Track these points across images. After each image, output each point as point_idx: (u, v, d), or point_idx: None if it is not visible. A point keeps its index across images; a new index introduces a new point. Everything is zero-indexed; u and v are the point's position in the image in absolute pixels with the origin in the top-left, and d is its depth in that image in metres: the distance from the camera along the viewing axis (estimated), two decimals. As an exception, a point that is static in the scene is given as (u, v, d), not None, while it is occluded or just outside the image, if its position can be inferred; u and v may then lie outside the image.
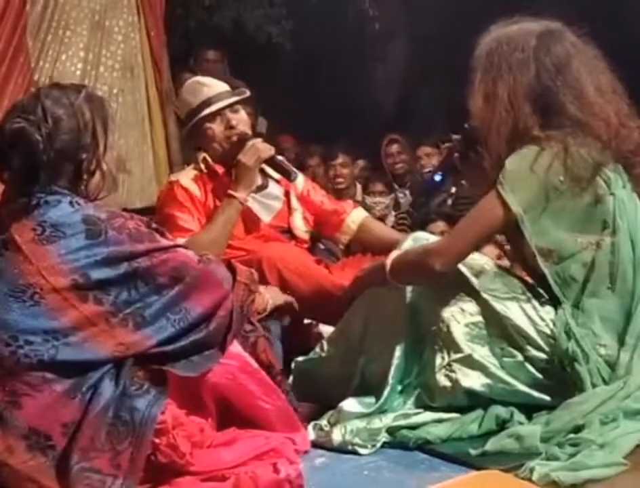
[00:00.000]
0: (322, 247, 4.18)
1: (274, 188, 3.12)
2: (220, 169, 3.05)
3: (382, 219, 5.33)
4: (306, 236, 3.16)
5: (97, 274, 1.70)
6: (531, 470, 1.70)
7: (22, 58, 4.81)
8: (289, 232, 3.11)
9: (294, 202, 3.15)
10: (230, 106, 3.06)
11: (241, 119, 3.07)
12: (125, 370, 1.68)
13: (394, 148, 6.04)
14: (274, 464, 1.74)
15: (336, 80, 7.55)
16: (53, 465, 1.60)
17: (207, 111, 3.03)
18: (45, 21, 4.91)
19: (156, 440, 1.67)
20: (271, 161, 3.01)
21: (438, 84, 7.55)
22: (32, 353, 1.64)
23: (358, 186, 5.86)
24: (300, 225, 3.14)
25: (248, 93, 3.14)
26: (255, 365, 1.92)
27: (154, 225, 1.87)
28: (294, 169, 3.07)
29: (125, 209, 4.89)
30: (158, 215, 3.03)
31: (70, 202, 1.74)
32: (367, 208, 5.40)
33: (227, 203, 2.92)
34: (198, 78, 3.29)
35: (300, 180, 3.23)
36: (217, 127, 3.04)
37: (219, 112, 3.04)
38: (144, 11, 5.29)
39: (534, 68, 1.98)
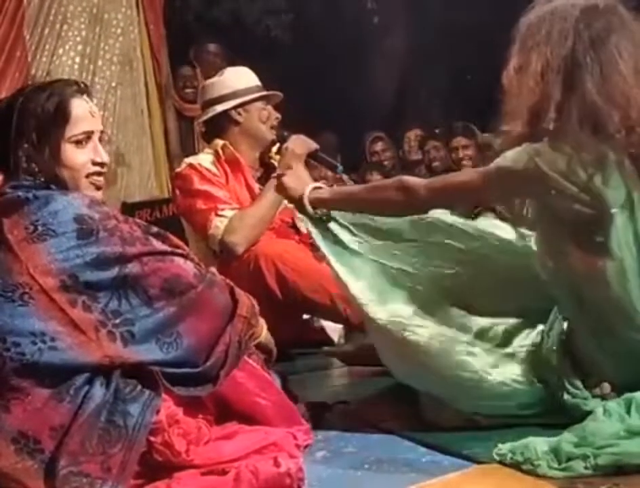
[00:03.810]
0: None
1: None
2: (239, 157, 3.07)
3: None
4: (308, 232, 3.19)
5: (86, 276, 1.66)
6: None
7: (19, 52, 4.82)
8: (293, 227, 3.14)
9: None
10: (280, 99, 3.21)
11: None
12: (117, 372, 1.66)
13: (379, 145, 6.18)
14: (275, 458, 1.72)
15: (335, 73, 7.54)
16: (41, 469, 1.58)
17: (270, 92, 3.16)
18: (42, 14, 4.92)
19: (152, 439, 1.65)
20: (315, 154, 3.09)
21: (438, 77, 7.54)
22: (17, 356, 1.61)
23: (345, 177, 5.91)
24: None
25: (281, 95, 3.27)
26: (251, 362, 1.90)
27: (154, 229, 1.82)
28: (337, 163, 3.15)
29: (125, 203, 4.94)
30: (184, 192, 3.04)
31: (62, 199, 1.71)
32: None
33: (274, 183, 2.95)
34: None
35: None
36: (270, 111, 3.14)
37: (272, 100, 3.17)
38: (143, 5, 5.31)
39: (571, 41, 1.86)
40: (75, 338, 1.64)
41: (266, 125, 3.13)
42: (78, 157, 1.82)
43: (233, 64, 4.12)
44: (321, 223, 2.20)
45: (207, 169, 3.02)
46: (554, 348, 1.93)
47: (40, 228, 1.68)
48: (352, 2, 8.13)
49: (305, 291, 2.75)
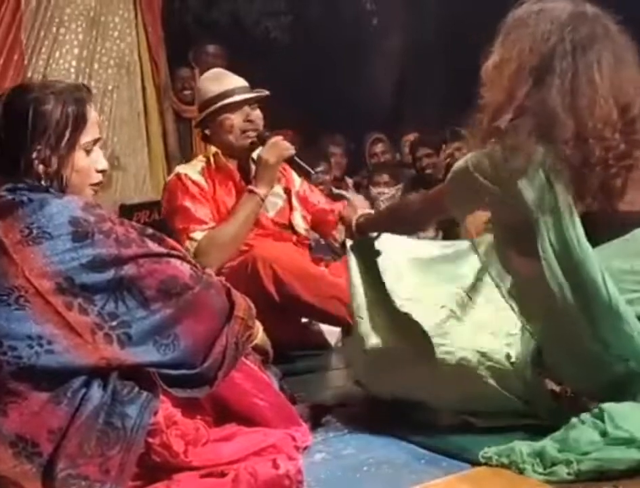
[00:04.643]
0: (322, 242, 4.20)
1: (276, 186, 3.12)
2: (231, 165, 3.04)
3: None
4: (306, 233, 3.17)
5: (82, 278, 1.66)
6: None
7: (17, 55, 4.82)
8: (290, 229, 3.12)
9: (294, 201, 3.16)
10: (251, 101, 3.08)
11: (258, 116, 3.09)
12: (114, 374, 1.65)
13: (379, 147, 6.19)
14: (274, 460, 1.73)
15: (334, 74, 7.54)
16: (39, 472, 1.58)
17: (229, 100, 3.03)
18: (39, 17, 4.92)
19: (150, 440, 1.65)
20: (291, 160, 3.03)
21: (437, 78, 7.54)
22: (14, 360, 1.60)
23: (349, 181, 5.95)
24: (300, 222, 3.15)
25: (267, 93, 3.15)
26: (248, 363, 1.90)
27: (150, 231, 1.81)
28: (311, 169, 3.09)
29: (123, 205, 4.95)
30: (168, 207, 3.03)
31: (57, 202, 1.70)
32: (372, 198, 5.46)
33: (248, 199, 2.93)
34: (221, 69, 3.29)
35: (297, 180, 3.24)
36: (236, 119, 3.04)
37: (239, 105, 3.04)
38: (141, 7, 5.30)
39: (553, 43, 1.86)
40: (72, 341, 1.63)
41: (233, 134, 3.04)
42: (87, 163, 1.83)
43: (232, 65, 4.10)
44: (364, 248, 2.31)
45: (193, 182, 2.99)
46: (526, 366, 1.95)
47: (35, 231, 1.67)
48: (351, 3, 8.13)
49: (302, 294, 2.74)
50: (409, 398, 2.09)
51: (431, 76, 7.71)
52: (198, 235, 2.87)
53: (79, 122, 1.80)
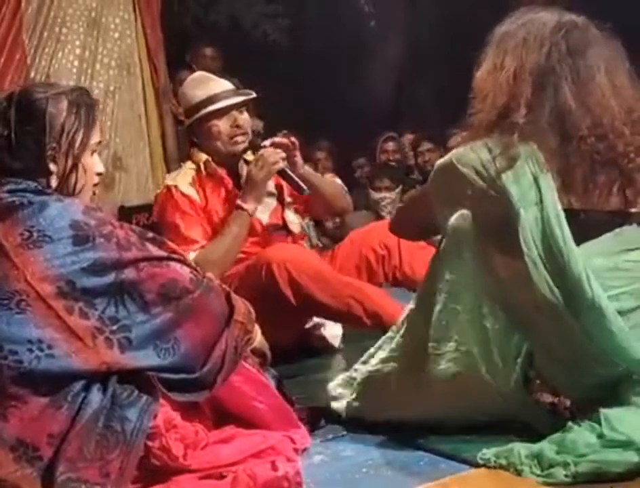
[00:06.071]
0: (321, 245, 4.20)
1: (268, 185, 3.08)
2: (221, 172, 3.00)
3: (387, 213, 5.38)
4: (300, 230, 3.14)
5: (83, 282, 1.66)
6: None
7: (18, 55, 4.83)
8: (284, 228, 3.09)
9: (286, 196, 3.12)
10: (238, 105, 3.00)
11: (246, 120, 3.01)
12: (113, 378, 1.66)
13: (391, 145, 6.20)
14: (273, 462, 1.73)
15: (333, 77, 7.55)
16: (40, 476, 1.58)
17: (214, 107, 2.96)
18: (40, 18, 4.93)
19: (149, 443, 1.65)
20: (281, 173, 2.96)
21: (435, 80, 7.55)
22: (14, 364, 1.61)
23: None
24: (294, 218, 3.11)
25: (254, 95, 3.08)
26: (247, 366, 1.90)
27: (150, 234, 1.82)
28: (302, 184, 2.97)
29: (122, 207, 4.94)
30: (159, 222, 2.98)
31: (57, 205, 1.71)
32: (374, 203, 5.47)
33: (237, 215, 2.87)
34: (204, 73, 3.22)
35: None
36: (223, 125, 2.96)
37: (225, 110, 2.96)
38: (140, 9, 5.31)
39: (547, 47, 1.91)
40: (72, 345, 1.64)
41: (221, 140, 2.96)
42: (91, 165, 1.85)
43: (230, 67, 4.09)
44: None
45: (183, 195, 2.92)
46: (517, 384, 1.92)
47: (35, 234, 1.67)
48: (349, 6, 8.15)
49: (319, 295, 2.70)
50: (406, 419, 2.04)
51: (429, 78, 7.72)
52: (190, 255, 2.83)
53: (91, 123, 1.82)
